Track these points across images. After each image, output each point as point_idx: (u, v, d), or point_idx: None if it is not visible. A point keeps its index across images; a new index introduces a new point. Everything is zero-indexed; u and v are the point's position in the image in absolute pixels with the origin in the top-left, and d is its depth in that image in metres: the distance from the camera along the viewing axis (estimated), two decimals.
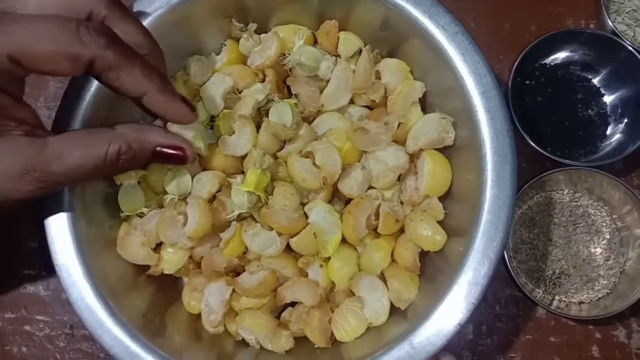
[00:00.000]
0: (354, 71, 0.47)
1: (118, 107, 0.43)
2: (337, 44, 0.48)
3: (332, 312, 0.45)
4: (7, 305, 0.54)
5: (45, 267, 0.54)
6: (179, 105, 0.37)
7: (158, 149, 0.36)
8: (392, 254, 0.46)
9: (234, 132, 0.45)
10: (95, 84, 0.42)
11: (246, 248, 0.45)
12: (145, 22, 0.42)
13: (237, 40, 0.49)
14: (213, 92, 0.47)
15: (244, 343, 0.46)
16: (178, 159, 0.38)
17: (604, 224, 0.54)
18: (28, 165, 0.32)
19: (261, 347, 0.45)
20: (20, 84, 0.35)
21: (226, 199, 0.44)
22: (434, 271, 0.44)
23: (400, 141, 0.46)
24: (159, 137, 0.37)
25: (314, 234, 0.43)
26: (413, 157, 0.46)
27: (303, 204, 0.45)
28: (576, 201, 0.54)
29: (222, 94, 0.47)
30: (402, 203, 0.47)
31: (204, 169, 0.46)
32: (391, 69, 0.47)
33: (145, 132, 0.36)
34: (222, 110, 0.47)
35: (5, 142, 0.32)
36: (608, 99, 0.56)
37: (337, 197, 0.47)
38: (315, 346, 0.44)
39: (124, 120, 0.37)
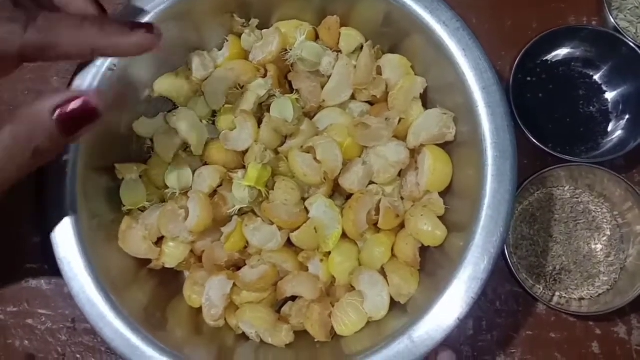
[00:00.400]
0: (355, 67, 0.47)
1: (122, 98, 0.43)
2: (339, 39, 0.48)
3: (333, 306, 0.45)
4: (10, 299, 0.54)
5: (47, 261, 0.54)
6: (132, 35, 0.31)
7: (58, 113, 0.30)
8: (392, 249, 0.46)
9: (235, 127, 0.45)
10: (97, 79, 0.42)
11: (247, 242, 0.45)
12: (147, 18, 0.42)
13: (239, 35, 0.49)
14: (215, 87, 0.47)
15: (244, 337, 0.46)
16: (85, 113, 0.31)
17: (605, 221, 0.54)
18: None
19: (261, 341, 0.45)
20: None
21: (227, 194, 0.45)
22: (434, 266, 0.45)
23: (401, 137, 0.47)
24: (50, 99, 0.31)
25: (315, 229, 0.44)
26: (414, 153, 0.46)
27: (304, 199, 0.45)
28: (577, 197, 0.55)
29: (224, 89, 0.47)
30: (402, 198, 0.47)
31: (205, 164, 0.47)
32: (392, 64, 0.47)
33: (35, 102, 0.31)
34: (223, 106, 0.47)
35: None
36: (609, 95, 0.56)
37: (337, 192, 0.47)
38: (316, 340, 0.45)
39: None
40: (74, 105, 0.30)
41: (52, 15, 0.30)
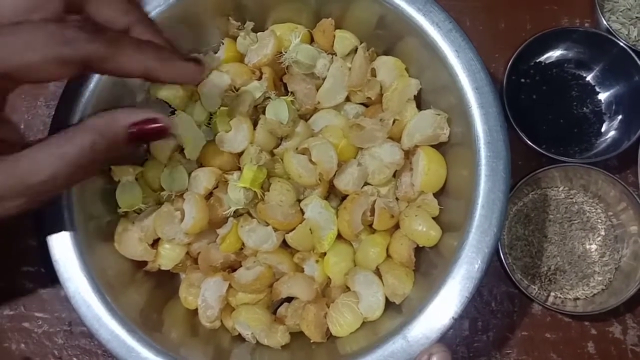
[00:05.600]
0: (349, 69, 0.47)
1: (119, 100, 0.43)
2: (333, 42, 0.49)
3: (328, 307, 0.45)
4: (6, 302, 0.54)
5: (44, 264, 0.54)
6: (183, 65, 0.35)
7: (132, 129, 0.33)
8: (387, 250, 0.46)
9: (230, 129, 0.46)
10: (93, 81, 0.42)
11: (242, 244, 0.45)
12: None
13: (235, 38, 0.49)
14: (211, 89, 0.47)
15: (240, 338, 0.46)
16: (157, 132, 0.34)
17: (599, 221, 0.54)
18: (4, 184, 0.30)
19: (257, 342, 0.45)
20: (2, 98, 0.33)
21: (223, 195, 0.45)
22: (428, 266, 0.45)
23: (395, 138, 0.47)
24: (127, 115, 0.34)
25: (310, 230, 0.44)
26: (408, 154, 0.46)
27: (299, 200, 0.45)
28: (571, 198, 0.55)
29: (220, 92, 0.47)
30: (397, 199, 0.47)
31: (201, 166, 0.47)
32: (387, 66, 0.48)
33: (113, 116, 0.34)
34: (219, 108, 0.47)
35: None
36: (602, 96, 0.56)
37: (333, 193, 0.48)
38: (311, 341, 0.45)
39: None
40: (150, 125, 0.34)
41: (118, 33, 0.33)
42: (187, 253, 0.47)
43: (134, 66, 0.33)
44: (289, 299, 0.47)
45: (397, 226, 0.46)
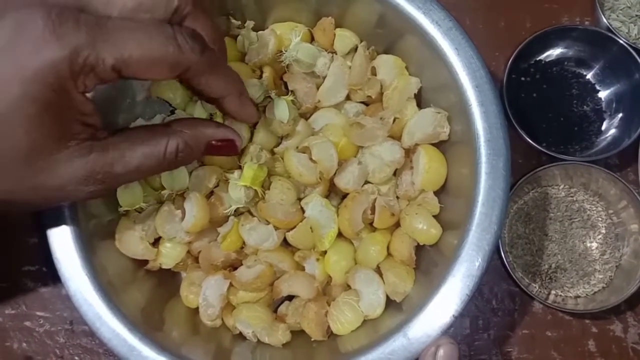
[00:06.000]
0: (350, 68, 0.48)
1: (114, 100, 0.43)
2: (334, 40, 0.49)
3: (329, 305, 0.45)
4: (7, 301, 0.54)
5: (45, 263, 0.54)
6: (251, 107, 0.40)
7: (212, 142, 0.37)
8: (388, 248, 0.46)
9: None
10: None
11: (243, 242, 0.45)
12: None
13: (235, 37, 0.49)
14: None
15: (241, 337, 0.46)
16: (229, 150, 0.39)
17: (600, 219, 0.54)
18: (91, 170, 0.32)
19: (258, 340, 0.45)
20: (94, 87, 0.33)
21: (224, 194, 0.45)
22: (429, 264, 0.45)
23: (396, 136, 0.47)
24: (212, 131, 0.37)
25: (311, 228, 0.44)
26: (409, 152, 0.46)
27: (300, 199, 0.45)
28: (572, 196, 0.55)
29: None
30: (397, 197, 0.47)
31: (202, 164, 0.47)
32: (387, 65, 0.48)
33: (199, 127, 0.37)
34: None
35: (71, 147, 0.31)
36: (603, 94, 0.56)
37: (333, 192, 0.48)
38: (312, 339, 0.45)
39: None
40: (227, 143, 0.38)
41: (217, 53, 0.35)
42: (188, 252, 0.47)
43: (219, 91, 0.36)
44: (290, 298, 0.47)
45: (397, 224, 0.46)
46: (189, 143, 0.35)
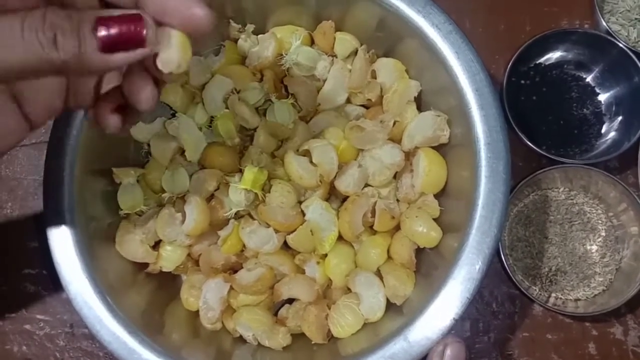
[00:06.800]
0: (350, 71, 0.48)
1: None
2: (334, 44, 0.49)
3: (329, 308, 0.45)
4: (8, 305, 0.54)
5: (45, 266, 0.54)
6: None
7: (102, 32, 0.25)
8: (388, 251, 0.46)
9: (232, 131, 0.46)
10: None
11: (244, 245, 0.45)
12: None
13: (236, 41, 0.50)
14: (214, 94, 0.47)
15: (241, 340, 0.46)
16: (133, 34, 0.26)
17: (600, 222, 0.54)
18: None
19: (259, 343, 0.46)
20: None
21: (224, 197, 0.45)
22: (429, 267, 0.45)
23: (396, 139, 0.47)
24: (95, 11, 0.26)
25: (311, 231, 0.44)
26: (409, 155, 0.47)
27: (300, 202, 0.46)
28: (572, 199, 0.55)
29: (222, 96, 0.47)
30: (398, 200, 0.47)
31: (202, 168, 0.47)
32: (387, 68, 0.48)
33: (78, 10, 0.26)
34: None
35: None
36: (602, 97, 0.56)
37: (333, 195, 0.48)
38: (312, 342, 0.45)
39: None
40: (119, 25, 0.25)
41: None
42: (189, 255, 0.47)
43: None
44: (290, 301, 0.47)
45: (397, 227, 0.46)
46: (66, 11, 0.25)
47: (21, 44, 0.24)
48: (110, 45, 0.25)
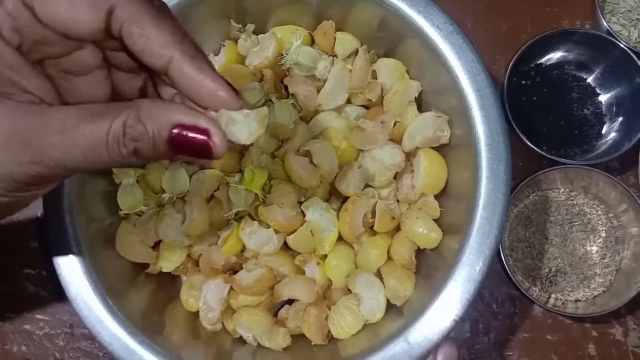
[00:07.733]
0: (350, 71, 0.48)
1: None
2: (334, 44, 0.49)
3: (329, 309, 0.45)
4: (8, 305, 0.54)
5: (45, 266, 0.54)
6: (218, 82, 0.27)
7: (176, 131, 0.26)
8: (388, 252, 0.46)
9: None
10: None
11: (244, 246, 0.45)
12: None
13: (236, 41, 0.49)
14: None
15: (241, 341, 0.46)
16: (202, 148, 0.26)
17: (600, 223, 0.54)
18: (21, 130, 0.25)
19: (259, 344, 0.45)
20: (44, 46, 0.27)
21: (224, 198, 0.45)
22: (430, 268, 0.45)
23: (396, 140, 0.47)
24: (178, 113, 0.26)
25: (311, 232, 0.44)
26: (409, 156, 0.46)
27: (300, 203, 0.45)
28: (572, 200, 0.55)
29: None
30: (398, 201, 0.47)
31: (202, 168, 0.47)
32: (388, 68, 0.48)
33: (162, 107, 0.27)
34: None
35: (1, 104, 0.26)
36: (603, 98, 0.56)
37: (334, 196, 0.48)
38: (312, 344, 0.45)
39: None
40: (194, 135, 0.26)
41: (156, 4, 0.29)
42: (189, 255, 0.47)
43: (161, 48, 0.27)
44: (290, 302, 0.47)
45: (398, 228, 0.46)
46: (142, 121, 0.26)
47: (106, 154, 0.26)
48: (180, 152, 0.27)
